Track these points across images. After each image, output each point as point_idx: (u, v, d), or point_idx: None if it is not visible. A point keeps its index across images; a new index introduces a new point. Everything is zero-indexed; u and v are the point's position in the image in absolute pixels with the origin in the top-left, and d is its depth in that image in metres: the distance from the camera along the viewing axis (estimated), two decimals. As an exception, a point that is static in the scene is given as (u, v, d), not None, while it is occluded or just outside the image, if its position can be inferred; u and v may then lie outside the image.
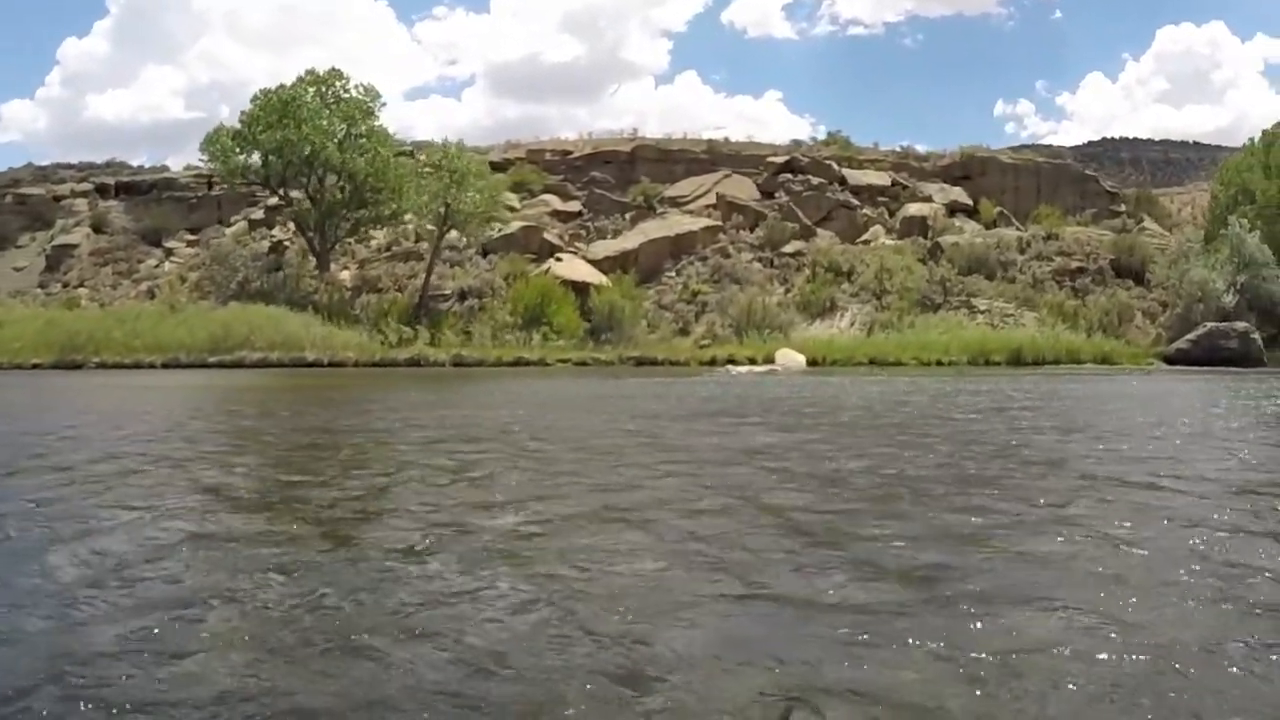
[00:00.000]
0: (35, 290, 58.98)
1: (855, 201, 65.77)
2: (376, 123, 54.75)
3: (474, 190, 50.62)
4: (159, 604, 5.44)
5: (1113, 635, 4.69)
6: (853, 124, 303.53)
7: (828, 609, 5.24)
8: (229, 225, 64.87)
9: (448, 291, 51.96)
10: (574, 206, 64.51)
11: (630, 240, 58.26)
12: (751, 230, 61.14)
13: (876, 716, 3.85)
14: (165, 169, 79.76)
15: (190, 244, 63.82)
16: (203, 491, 9.34)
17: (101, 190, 71.35)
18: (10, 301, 55.04)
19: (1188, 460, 11.49)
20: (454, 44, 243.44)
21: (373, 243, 58.64)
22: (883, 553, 6.48)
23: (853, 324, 51.95)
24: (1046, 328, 50.25)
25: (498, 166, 61.90)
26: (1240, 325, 48.25)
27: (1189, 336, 48.42)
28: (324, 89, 54.07)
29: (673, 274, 56.59)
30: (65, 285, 59.47)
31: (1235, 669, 4.27)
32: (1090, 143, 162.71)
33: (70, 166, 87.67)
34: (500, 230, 55.67)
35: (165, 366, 40.58)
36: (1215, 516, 7.66)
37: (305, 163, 52.36)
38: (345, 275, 55.38)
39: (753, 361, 43.14)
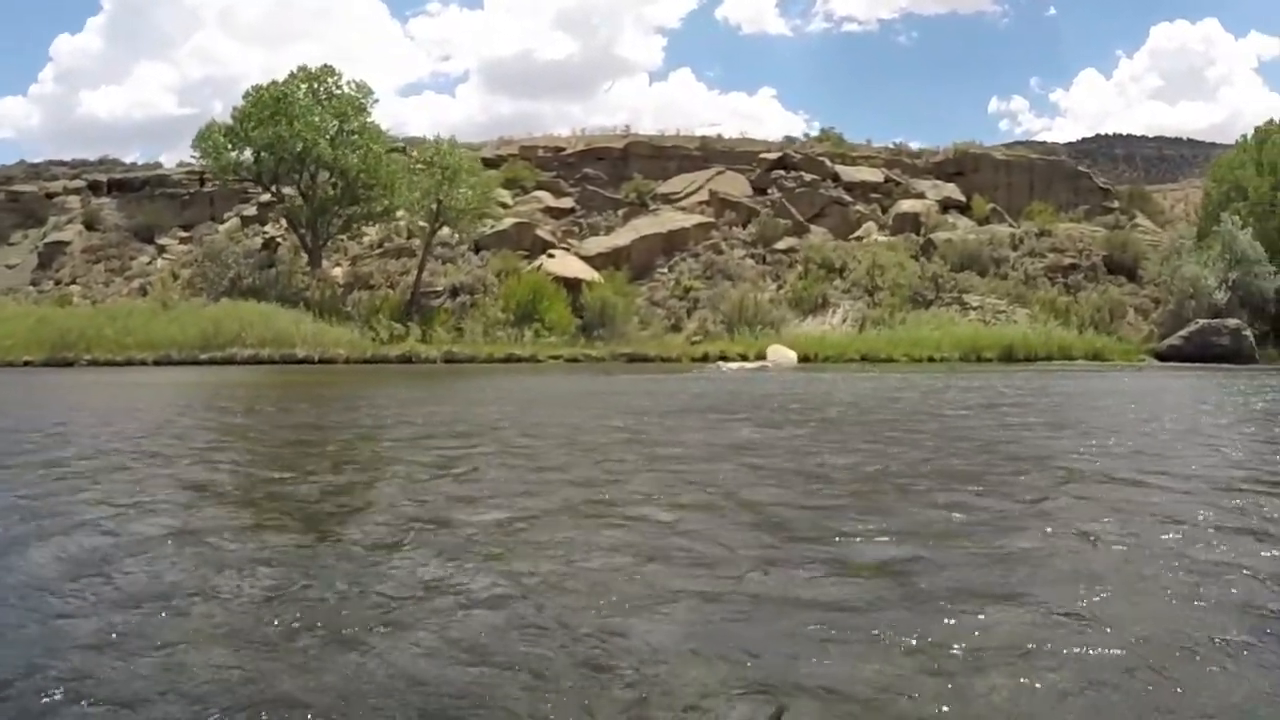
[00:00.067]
0: (27, 288, 58.82)
1: (848, 198, 65.74)
2: (369, 119, 54.54)
3: (466, 187, 50.54)
4: (141, 597, 5.49)
5: (1084, 632, 4.72)
6: (847, 121, 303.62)
7: (801, 604, 5.27)
8: (222, 222, 64.73)
9: (440, 288, 51.89)
10: (567, 203, 64.44)
11: (623, 237, 58.22)
12: (744, 227, 61.11)
13: (845, 713, 3.87)
14: (158, 166, 79.69)
15: (183, 241, 63.69)
16: (188, 487, 9.38)
17: (94, 187, 71.20)
18: (2, 299, 54.81)
19: (1173, 457, 11.55)
20: (448, 40, 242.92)
21: (365, 239, 58.50)
22: (860, 549, 6.53)
23: (845, 320, 51.94)
24: (1038, 324, 50.28)
25: (490, 163, 61.79)
26: (1232, 322, 48.32)
27: (1181, 333, 48.47)
28: (316, 85, 53.91)
29: (665, 270, 56.58)
30: (58, 283, 59.30)
31: (1207, 667, 4.29)
32: (1084, 139, 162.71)
33: (63, 163, 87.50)
34: (493, 227, 55.57)
35: (157, 364, 40.45)
36: (1195, 513, 7.67)
37: (297, 159, 52.19)
38: (337, 272, 55.30)
39: (744, 358, 43.15)
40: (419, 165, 52.29)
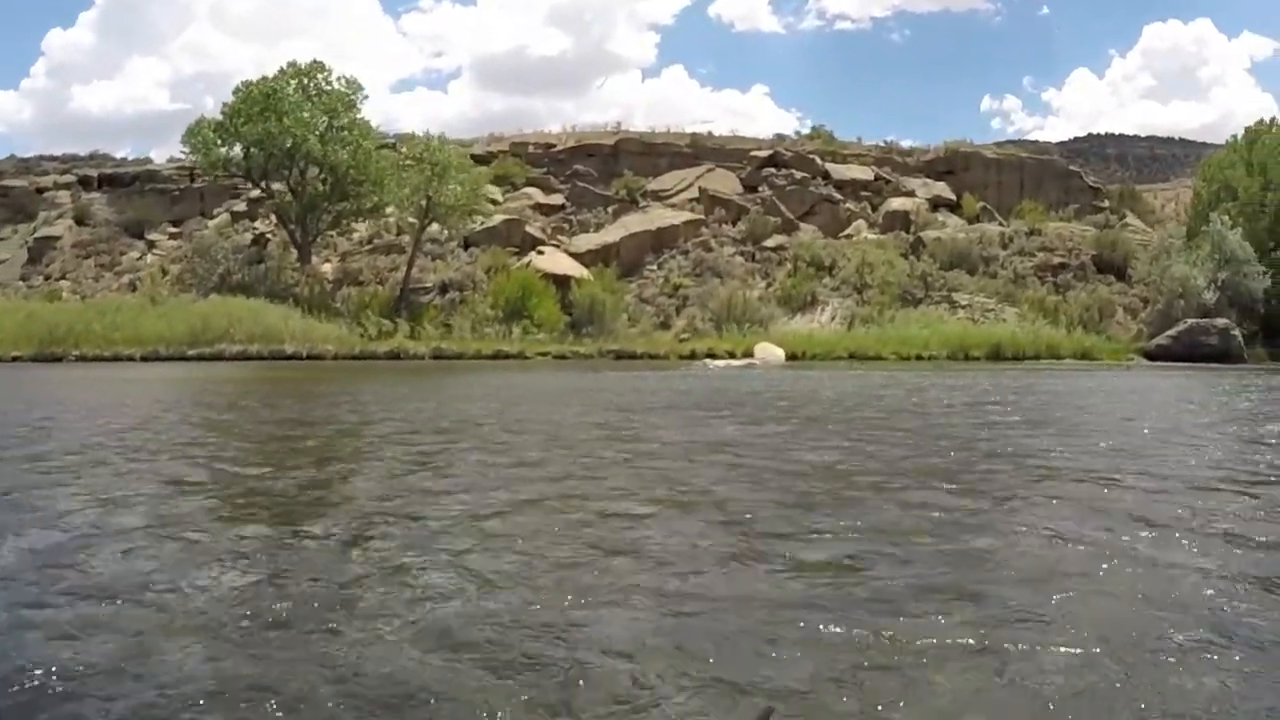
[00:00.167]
0: (17, 283, 58.62)
1: (838, 196, 65.71)
2: (358, 115, 54.46)
3: (455, 183, 50.49)
4: (114, 588, 5.58)
5: (1038, 632, 4.74)
6: (839, 119, 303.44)
7: (759, 601, 5.31)
8: (211, 217, 64.55)
9: (429, 284, 51.83)
10: (557, 200, 64.32)
11: (612, 234, 58.13)
12: (734, 224, 61.02)
13: (791, 709, 3.88)
14: (148, 161, 79.48)
15: (172, 236, 63.48)
16: (168, 481, 9.42)
17: (84, 182, 70.93)
18: (-8, 294, 54.85)
19: (1152, 456, 11.57)
20: (440, 36, 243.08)
21: (354, 235, 58.43)
22: (825, 546, 6.56)
23: (833, 318, 51.92)
24: (1027, 323, 50.29)
25: (481, 159, 61.75)
26: (1221, 322, 48.36)
27: (1169, 333, 48.50)
28: (306, 81, 53.82)
29: (654, 267, 56.49)
30: (47, 278, 59.09)
31: (1159, 669, 4.29)
32: (1076, 139, 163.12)
33: (53, 158, 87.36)
34: (482, 223, 55.55)
35: (144, 359, 40.36)
36: (1166, 513, 7.71)
37: (287, 155, 52.10)
38: (327, 268, 55.22)
39: (731, 356, 43.19)
40: (408, 161, 52.21)
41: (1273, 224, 54.32)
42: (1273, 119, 59.31)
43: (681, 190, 65.21)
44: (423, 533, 7.04)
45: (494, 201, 59.32)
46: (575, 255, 54.73)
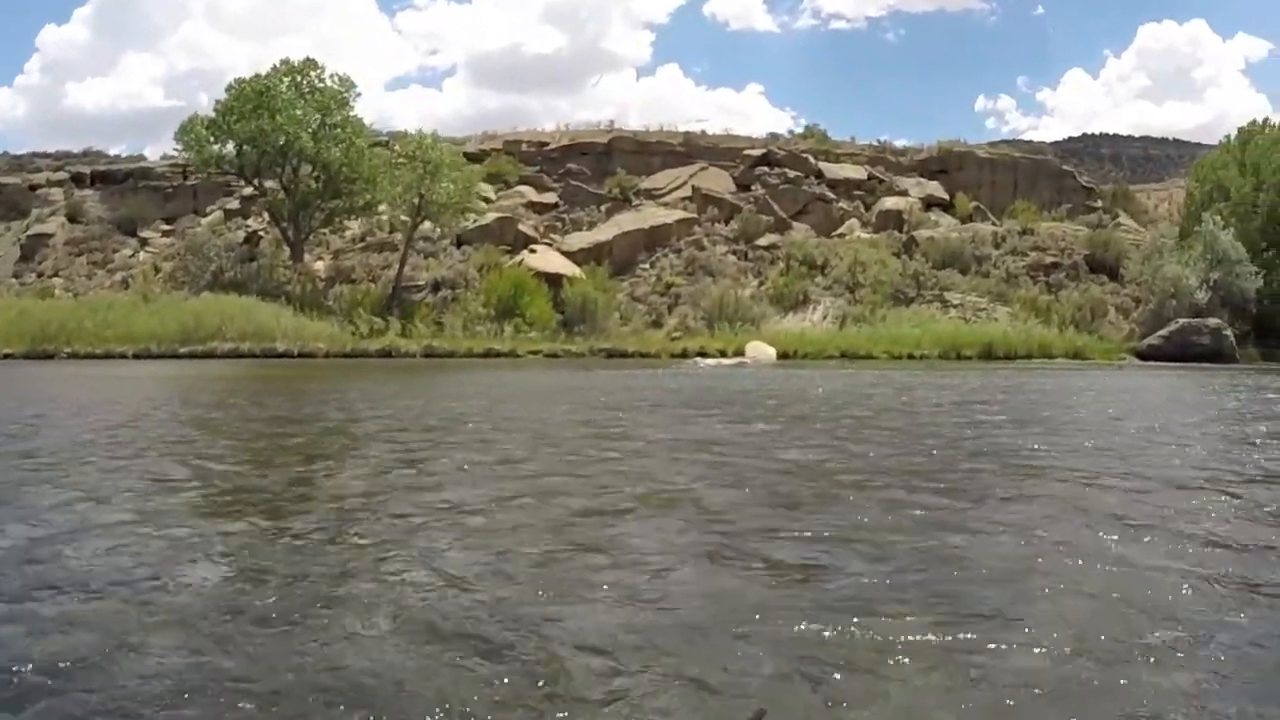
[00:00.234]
0: (10, 280, 58.59)
1: (831, 195, 65.77)
2: (351, 113, 54.46)
3: (448, 181, 50.44)
4: (95, 583, 5.61)
5: (1007, 633, 4.72)
6: (834, 118, 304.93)
7: (723, 600, 5.32)
8: (205, 215, 64.54)
9: (421, 282, 51.81)
10: (550, 198, 64.35)
11: (605, 232, 58.13)
12: (726, 223, 61.07)
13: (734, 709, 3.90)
14: (141, 158, 79.53)
15: (165, 234, 63.43)
16: (154, 478, 9.42)
17: (77, 179, 70.93)
18: (-15, 291, 54.83)
19: (1137, 455, 11.56)
20: (435, 34, 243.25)
21: (347, 233, 58.47)
22: (797, 547, 6.52)
23: (825, 317, 51.92)
24: (1019, 322, 50.30)
25: (474, 157, 61.81)
26: (1213, 322, 48.39)
27: (1161, 333, 48.51)
28: (299, 79, 53.77)
29: (647, 266, 56.47)
30: (40, 275, 59.03)
31: (1128, 670, 4.25)
32: (1071, 139, 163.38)
33: (46, 155, 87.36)
34: (475, 221, 55.58)
35: (136, 357, 40.37)
36: (1143, 513, 7.69)
37: (279, 153, 52.08)
38: (319, 266, 55.19)
39: (723, 354, 43.21)
40: (401, 159, 52.16)
41: (1265, 224, 54.36)
42: (1266, 119, 59.48)
43: (674, 189, 65.26)
44: (403, 528, 7.08)
45: (487, 200, 59.35)
46: (568, 254, 54.71)
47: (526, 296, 48.68)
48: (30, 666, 4.22)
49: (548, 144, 72.28)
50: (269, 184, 54.71)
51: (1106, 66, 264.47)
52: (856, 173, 69.42)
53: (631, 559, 6.19)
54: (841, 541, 6.58)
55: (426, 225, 53.43)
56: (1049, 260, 57.81)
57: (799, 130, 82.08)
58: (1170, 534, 6.92)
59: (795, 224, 61.90)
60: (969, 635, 4.65)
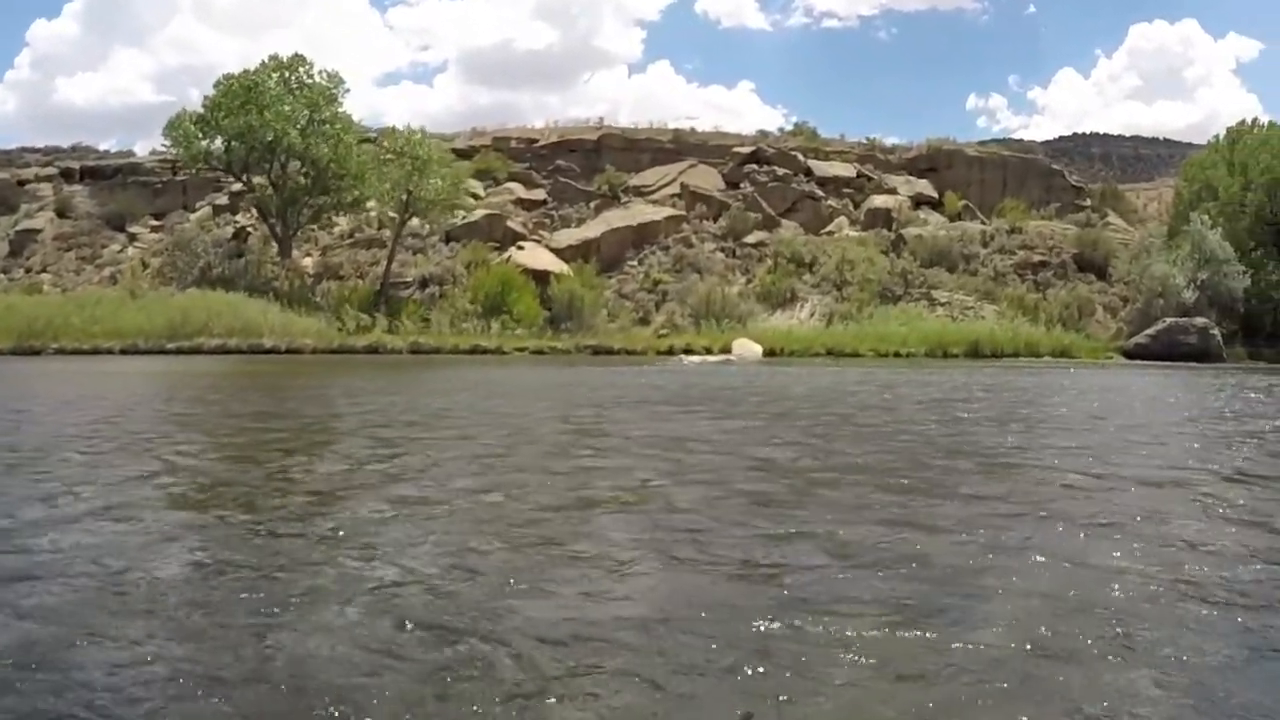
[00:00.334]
0: (-2, 275, 58.60)
1: (820, 193, 65.71)
2: (340, 109, 54.26)
3: (436, 178, 50.37)
4: (67, 573, 5.70)
5: (950, 634, 4.73)
6: (826, 116, 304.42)
7: (685, 597, 5.38)
8: (193, 211, 64.37)
9: (409, 279, 51.75)
10: (539, 195, 64.23)
11: (593, 229, 58.04)
12: (715, 220, 61.03)
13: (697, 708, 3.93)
14: (131, 154, 79.34)
15: (154, 229, 63.20)
16: (130, 471, 9.50)
17: (66, 175, 70.65)
18: (-28, 287, 54.70)
19: (1114, 454, 11.60)
20: (427, 29, 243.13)
21: (335, 229, 58.32)
22: (758, 547, 6.52)
23: (812, 315, 51.94)
24: (1006, 321, 50.31)
25: (463, 154, 61.64)
26: (1200, 321, 48.46)
27: (1148, 331, 48.58)
28: (287, 75, 53.57)
29: (635, 263, 56.39)
30: (28, 271, 58.79)
31: (1068, 671, 4.27)
32: (1062, 138, 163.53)
33: (35, 150, 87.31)
34: (464, 218, 55.51)
35: (123, 353, 40.19)
36: (1108, 513, 7.71)
37: (268, 149, 51.87)
38: (307, 262, 55.11)
39: (709, 351, 43.28)
40: (389, 156, 52.08)
41: (1253, 224, 54.52)
42: (1255, 119, 59.64)
43: (663, 186, 65.17)
44: (373, 522, 7.17)
45: (475, 196, 59.21)
46: (556, 250, 54.63)
47: (514, 293, 48.57)
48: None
49: (537, 141, 72.15)
50: (257, 180, 54.47)
51: (1098, 66, 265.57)
52: (845, 170, 69.33)
53: (596, 555, 6.24)
54: (805, 539, 6.63)
55: (415, 222, 53.36)
56: (1037, 259, 57.87)
57: (790, 128, 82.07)
58: (1133, 535, 6.94)
59: (784, 221, 61.85)
60: (918, 634, 4.70)
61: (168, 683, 4.05)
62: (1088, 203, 70.49)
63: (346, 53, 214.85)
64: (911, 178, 69.90)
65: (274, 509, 7.67)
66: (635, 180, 65.92)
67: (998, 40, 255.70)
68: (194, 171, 59.41)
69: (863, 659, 4.35)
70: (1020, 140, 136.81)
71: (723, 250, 57.95)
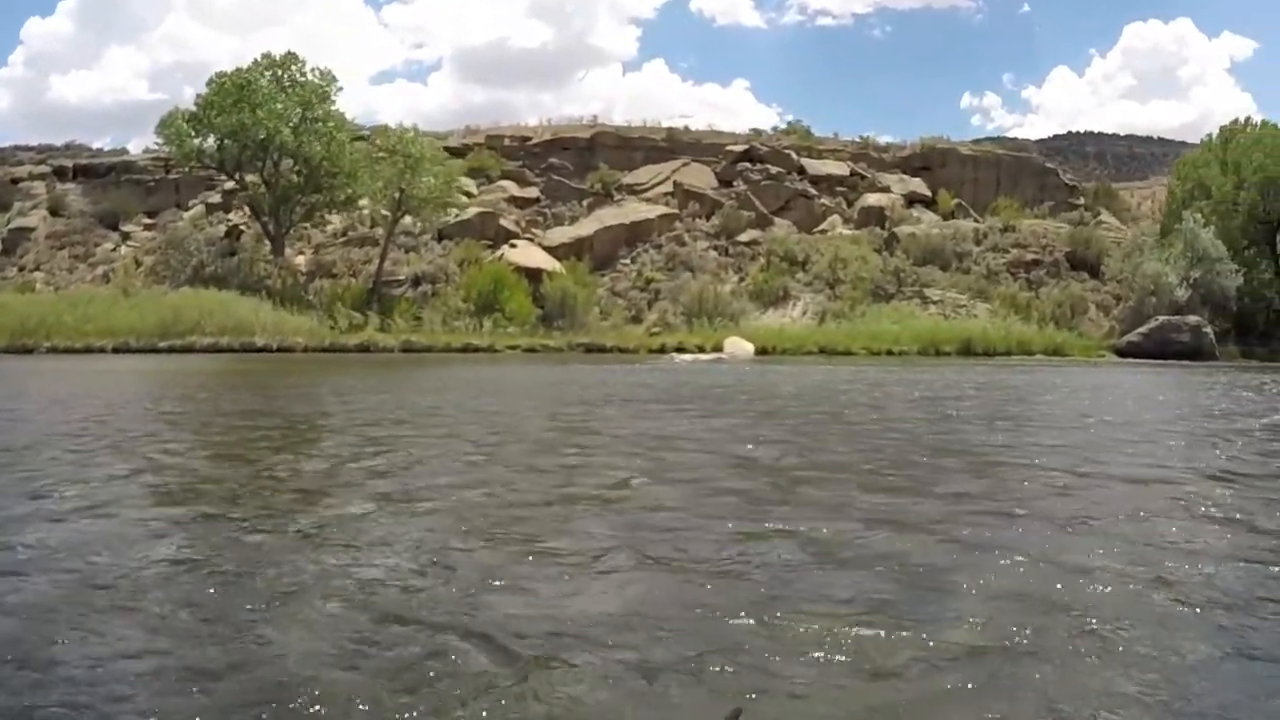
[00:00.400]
0: (-9, 274, 58.51)
1: (813, 191, 65.74)
2: (332, 107, 54.21)
3: (429, 175, 50.37)
4: (50, 569, 5.76)
5: (918, 632, 4.71)
6: (820, 114, 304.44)
7: (658, 596, 5.38)
8: (187, 209, 64.27)
9: (401, 277, 51.76)
10: (532, 193, 64.21)
11: (586, 227, 58.09)
12: (708, 218, 61.09)
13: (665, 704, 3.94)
14: (124, 152, 79.20)
15: (147, 228, 63.11)
16: (117, 468, 9.56)
17: (59, 173, 70.51)
18: (-36, 287, 54.61)
19: (1101, 452, 11.61)
20: (421, 27, 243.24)
21: (328, 228, 58.29)
22: (731, 545, 6.53)
23: (805, 313, 51.99)
24: (999, 319, 50.37)
25: (456, 152, 61.55)
26: (1192, 319, 48.54)
27: (1141, 329, 48.65)
28: (280, 73, 53.55)
29: (627, 261, 56.43)
30: (21, 269, 58.73)
31: (1038, 670, 4.26)
32: (1056, 136, 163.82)
33: (29, 148, 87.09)
34: (456, 216, 55.50)
35: (116, 351, 40.22)
36: (1088, 512, 7.69)
37: (260, 147, 51.83)
38: (300, 260, 55.05)
39: (700, 349, 43.32)
40: (381, 154, 52.03)
41: (1245, 222, 54.76)
42: (1248, 118, 59.71)
43: (656, 184, 65.13)
44: (355, 518, 7.22)
45: (468, 194, 59.16)
46: (548, 248, 54.67)
47: (506, 291, 48.58)
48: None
49: (530, 139, 72.09)
50: (250, 178, 54.43)
51: (1092, 65, 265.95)
52: (839, 169, 69.33)
53: (575, 552, 6.25)
54: (785, 537, 6.63)
55: (407, 220, 53.40)
56: (1030, 257, 57.98)
57: (784, 126, 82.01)
58: (1114, 533, 6.92)
59: (777, 220, 61.87)
60: (893, 632, 4.69)
61: (151, 677, 4.08)
62: (1081, 201, 70.63)
63: (341, 50, 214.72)
64: (905, 176, 69.96)
65: (258, 506, 7.71)
66: (628, 178, 65.88)
67: (992, 39, 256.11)
68: (187, 170, 59.18)
69: (837, 656, 4.36)
70: (1014, 139, 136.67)
71: (715, 248, 58.00)
